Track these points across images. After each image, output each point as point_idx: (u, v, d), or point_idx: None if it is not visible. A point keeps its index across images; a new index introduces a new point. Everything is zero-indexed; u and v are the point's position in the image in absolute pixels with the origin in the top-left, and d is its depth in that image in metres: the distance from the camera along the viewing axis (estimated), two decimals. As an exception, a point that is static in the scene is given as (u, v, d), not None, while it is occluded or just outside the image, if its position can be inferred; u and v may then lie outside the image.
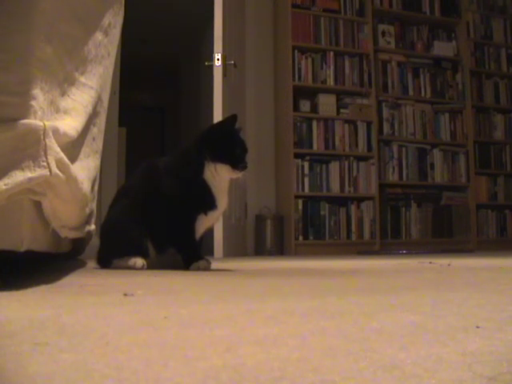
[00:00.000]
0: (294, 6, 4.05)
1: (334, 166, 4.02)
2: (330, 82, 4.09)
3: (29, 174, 0.92)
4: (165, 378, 0.38)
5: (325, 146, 4.02)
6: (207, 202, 1.55)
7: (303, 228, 3.91)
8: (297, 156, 3.94)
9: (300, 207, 3.92)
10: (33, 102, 0.94)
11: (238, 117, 1.62)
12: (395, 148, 4.22)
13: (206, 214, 1.55)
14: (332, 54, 4.10)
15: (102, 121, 1.52)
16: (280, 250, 3.92)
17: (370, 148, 4.10)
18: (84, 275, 1.47)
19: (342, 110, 4.10)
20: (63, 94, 1.12)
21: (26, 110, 0.93)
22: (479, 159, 4.43)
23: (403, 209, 4.19)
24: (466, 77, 4.45)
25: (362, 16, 4.21)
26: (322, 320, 0.64)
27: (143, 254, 1.60)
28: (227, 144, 1.54)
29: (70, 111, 1.13)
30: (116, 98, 3.47)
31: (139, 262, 1.60)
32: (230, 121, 1.59)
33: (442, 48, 4.47)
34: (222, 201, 1.58)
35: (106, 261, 1.68)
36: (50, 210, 1.06)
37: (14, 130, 0.92)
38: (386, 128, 4.21)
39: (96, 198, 1.66)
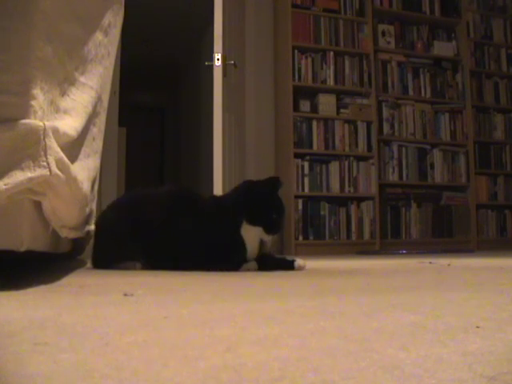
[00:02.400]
0: (294, 5, 4.04)
1: (334, 166, 4.02)
2: (330, 81, 4.09)
3: (29, 174, 0.92)
4: (165, 377, 0.38)
5: (325, 145, 4.02)
6: (241, 253, 1.59)
7: (303, 228, 3.91)
8: (297, 156, 3.93)
9: (300, 207, 3.92)
10: (33, 102, 0.94)
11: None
12: (395, 148, 4.22)
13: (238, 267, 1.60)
14: (332, 53, 4.10)
15: (101, 121, 1.52)
16: (280, 249, 3.92)
17: (369, 148, 4.10)
18: (84, 275, 1.47)
19: (342, 110, 4.10)
20: (63, 93, 1.12)
21: (25, 110, 0.93)
22: (479, 159, 4.43)
23: (403, 209, 4.19)
24: (466, 77, 4.44)
25: (362, 16, 4.20)
26: (322, 320, 0.64)
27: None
28: (265, 209, 1.58)
29: (70, 111, 1.13)
30: (116, 98, 3.47)
31: (138, 264, 1.61)
32: (272, 184, 1.61)
33: (442, 48, 4.46)
34: (253, 253, 1.61)
35: (103, 262, 1.67)
36: (50, 210, 1.06)
37: (14, 130, 0.92)
38: (385, 128, 4.21)
39: (96, 198, 1.65)
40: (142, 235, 1.62)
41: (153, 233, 1.62)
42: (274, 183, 1.62)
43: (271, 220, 1.57)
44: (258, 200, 1.58)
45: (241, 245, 1.57)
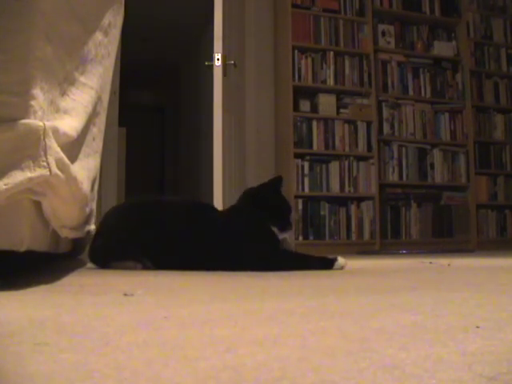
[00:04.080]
0: (294, 5, 4.04)
1: (334, 166, 4.02)
2: (330, 81, 4.08)
3: (29, 174, 0.92)
4: (165, 377, 0.38)
5: (325, 145, 4.02)
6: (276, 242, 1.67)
7: (303, 228, 3.90)
8: (297, 156, 3.93)
9: (300, 207, 3.92)
10: (33, 102, 0.94)
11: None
12: (395, 148, 4.22)
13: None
14: (332, 53, 4.10)
15: (101, 121, 1.52)
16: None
17: (369, 148, 4.10)
18: (84, 275, 1.47)
19: (341, 110, 4.10)
20: (63, 93, 1.12)
21: (25, 110, 0.93)
22: (479, 159, 4.43)
23: (403, 209, 4.19)
24: (466, 77, 4.44)
25: (362, 16, 4.20)
26: (322, 320, 0.64)
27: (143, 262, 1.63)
28: (277, 208, 1.69)
29: (69, 111, 1.13)
30: (116, 98, 3.47)
31: (139, 264, 1.61)
32: (277, 183, 1.74)
33: (442, 48, 4.46)
34: None
35: (103, 260, 1.67)
36: (50, 210, 1.06)
37: (13, 130, 0.92)
38: (385, 128, 4.21)
39: (96, 197, 1.65)
40: (154, 236, 1.61)
41: (171, 237, 1.61)
42: (277, 183, 1.73)
43: (284, 217, 1.68)
44: (270, 201, 1.68)
45: (273, 233, 1.63)
